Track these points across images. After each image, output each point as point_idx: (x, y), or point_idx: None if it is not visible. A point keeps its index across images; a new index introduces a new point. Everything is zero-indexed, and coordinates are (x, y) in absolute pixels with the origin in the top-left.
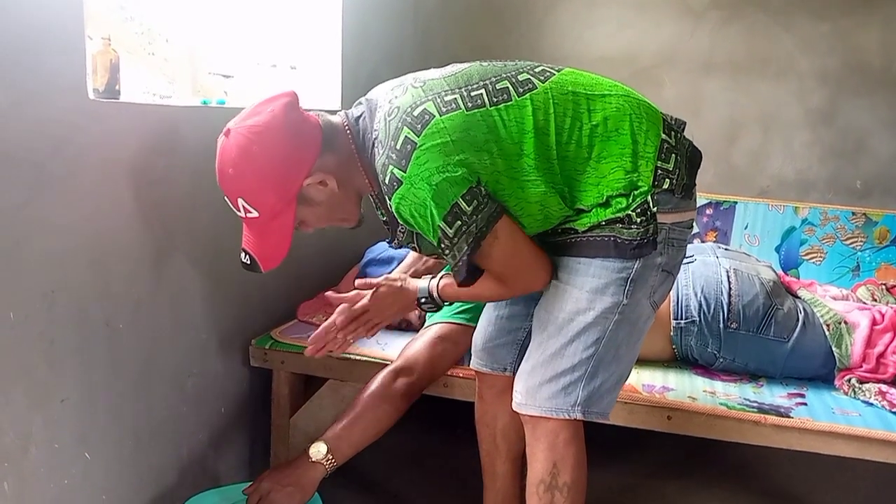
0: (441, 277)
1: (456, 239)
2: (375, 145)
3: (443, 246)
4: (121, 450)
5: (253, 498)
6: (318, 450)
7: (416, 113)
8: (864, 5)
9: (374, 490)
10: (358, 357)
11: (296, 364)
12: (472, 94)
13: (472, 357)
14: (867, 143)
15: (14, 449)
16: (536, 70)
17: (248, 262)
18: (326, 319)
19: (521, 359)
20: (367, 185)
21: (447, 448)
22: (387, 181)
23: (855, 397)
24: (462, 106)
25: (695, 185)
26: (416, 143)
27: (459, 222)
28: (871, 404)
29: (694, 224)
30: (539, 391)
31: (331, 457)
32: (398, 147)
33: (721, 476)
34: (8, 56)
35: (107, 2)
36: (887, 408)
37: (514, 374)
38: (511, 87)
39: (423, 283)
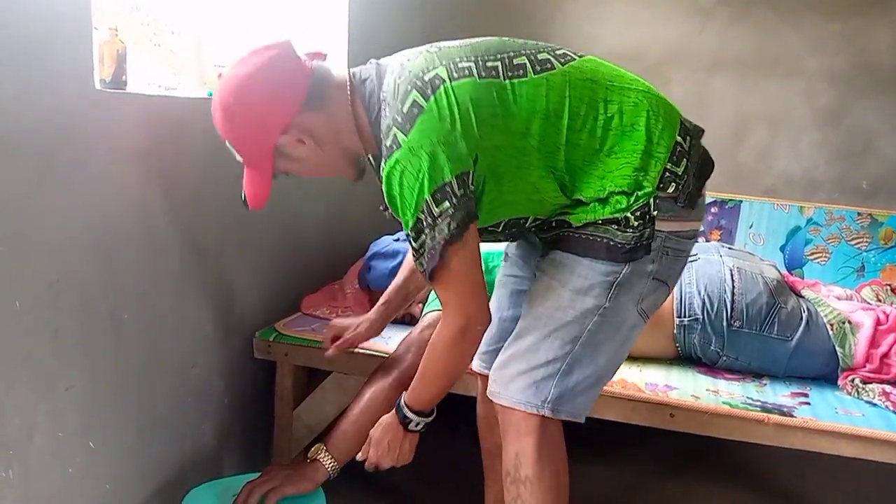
0: (403, 396)
1: (440, 220)
2: (383, 107)
3: (421, 226)
4: (124, 439)
5: (256, 491)
6: (319, 451)
7: (426, 77)
8: (874, 6)
9: (375, 483)
10: (362, 350)
11: (299, 356)
12: (488, 64)
13: (475, 359)
14: (874, 143)
15: (19, 437)
16: (557, 52)
17: (243, 199)
18: (330, 313)
19: None
20: (361, 147)
21: (449, 442)
22: (388, 143)
23: (858, 397)
24: (475, 74)
25: (701, 195)
26: (422, 108)
27: (447, 203)
28: (875, 405)
29: (697, 236)
30: (512, 382)
31: (331, 459)
32: (404, 110)
33: (722, 475)
34: (15, 46)
35: None
36: (891, 408)
37: None
38: (528, 64)
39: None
